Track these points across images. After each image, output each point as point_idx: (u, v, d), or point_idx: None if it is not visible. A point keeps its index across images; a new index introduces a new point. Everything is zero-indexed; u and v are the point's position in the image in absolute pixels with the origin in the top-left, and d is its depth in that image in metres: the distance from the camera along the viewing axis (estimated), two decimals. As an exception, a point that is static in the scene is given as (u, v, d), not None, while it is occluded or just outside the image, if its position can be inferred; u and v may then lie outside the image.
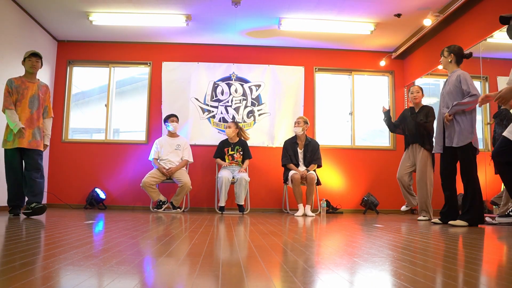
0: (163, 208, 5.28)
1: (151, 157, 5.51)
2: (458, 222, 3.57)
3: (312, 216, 4.92)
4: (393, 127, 4.93)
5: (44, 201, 5.79)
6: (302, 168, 5.27)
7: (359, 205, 5.95)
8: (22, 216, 3.84)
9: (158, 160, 5.45)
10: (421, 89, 4.75)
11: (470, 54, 3.84)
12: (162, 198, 5.30)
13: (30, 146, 3.87)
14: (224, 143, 5.54)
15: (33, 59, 3.93)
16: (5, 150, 3.90)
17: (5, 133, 3.91)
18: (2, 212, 4.47)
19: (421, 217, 4.45)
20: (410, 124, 4.70)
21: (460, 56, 3.83)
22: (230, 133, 5.48)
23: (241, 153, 5.48)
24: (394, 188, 5.70)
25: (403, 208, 4.98)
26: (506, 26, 2.97)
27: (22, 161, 3.93)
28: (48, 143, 4.11)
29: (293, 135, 5.49)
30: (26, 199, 3.92)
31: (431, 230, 3.17)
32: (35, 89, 3.94)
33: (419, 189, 4.53)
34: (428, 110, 4.62)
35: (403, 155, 4.84)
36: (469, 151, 3.62)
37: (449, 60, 3.83)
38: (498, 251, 2.15)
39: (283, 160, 5.34)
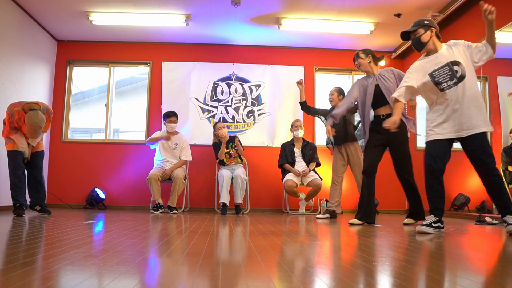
0: (159, 211, 5.17)
1: (147, 138, 5.39)
2: (354, 220, 3.70)
3: (303, 213, 5.04)
4: (312, 112, 4.78)
5: (44, 201, 5.78)
6: (300, 163, 5.28)
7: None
8: (25, 216, 3.85)
9: (158, 160, 5.39)
10: (337, 90, 4.69)
11: (382, 57, 3.88)
12: (161, 201, 5.18)
13: (32, 150, 4.22)
14: (218, 144, 5.45)
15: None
16: (7, 152, 4.04)
17: (3, 136, 4.08)
18: (2, 212, 4.47)
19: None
20: (338, 125, 4.41)
21: (376, 58, 3.83)
22: (225, 133, 5.41)
23: (236, 148, 5.47)
24: (394, 188, 5.68)
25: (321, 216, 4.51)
26: (499, 30, 3.06)
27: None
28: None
29: (292, 136, 5.50)
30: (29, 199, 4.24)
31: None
32: None
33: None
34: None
35: (334, 156, 4.67)
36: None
37: (368, 61, 3.78)
38: (498, 251, 2.15)
39: (279, 160, 5.39)
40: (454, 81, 2.86)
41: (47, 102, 5.80)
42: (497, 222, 3.76)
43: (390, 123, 3.07)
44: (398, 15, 5.19)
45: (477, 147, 2.81)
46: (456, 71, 2.87)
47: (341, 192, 4.61)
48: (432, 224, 2.86)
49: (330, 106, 4.75)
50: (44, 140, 5.45)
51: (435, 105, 2.99)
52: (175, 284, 1.22)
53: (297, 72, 6.27)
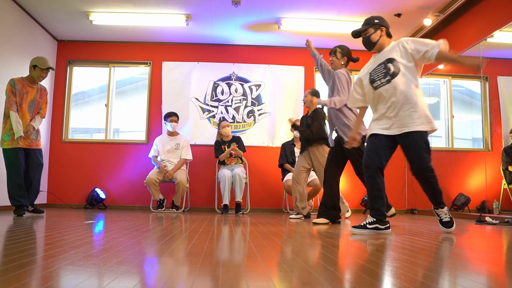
0: (164, 207, 5.30)
1: (150, 155, 5.52)
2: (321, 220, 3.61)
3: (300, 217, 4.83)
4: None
5: (44, 201, 5.80)
6: None
7: (359, 205, 5.95)
8: (24, 216, 3.84)
9: (158, 159, 5.46)
10: (311, 92, 4.42)
11: (358, 59, 3.82)
12: (161, 196, 5.32)
13: (29, 146, 3.97)
14: (220, 142, 5.51)
15: (45, 73, 3.96)
16: (5, 150, 3.89)
17: (2, 132, 3.91)
18: (2, 212, 4.47)
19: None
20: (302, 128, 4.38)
21: (350, 60, 3.80)
22: (228, 132, 5.47)
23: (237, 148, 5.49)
24: (393, 188, 5.69)
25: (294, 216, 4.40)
26: (496, 32, 2.98)
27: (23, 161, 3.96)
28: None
29: (293, 136, 5.51)
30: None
31: (431, 230, 3.17)
32: (34, 93, 4.02)
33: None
34: (314, 113, 4.31)
35: (298, 158, 4.46)
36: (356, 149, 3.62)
37: (342, 63, 3.75)
38: (498, 251, 2.15)
39: (279, 160, 5.42)
40: (387, 78, 2.78)
41: (47, 102, 5.80)
42: (497, 222, 3.76)
43: (349, 141, 3.13)
44: (398, 15, 5.19)
45: (409, 146, 2.72)
46: (389, 68, 2.80)
47: (305, 193, 4.41)
48: (367, 225, 2.73)
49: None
50: (44, 140, 5.47)
51: (375, 104, 2.90)
52: (175, 284, 1.22)
53: (297, 72, 6.27)
